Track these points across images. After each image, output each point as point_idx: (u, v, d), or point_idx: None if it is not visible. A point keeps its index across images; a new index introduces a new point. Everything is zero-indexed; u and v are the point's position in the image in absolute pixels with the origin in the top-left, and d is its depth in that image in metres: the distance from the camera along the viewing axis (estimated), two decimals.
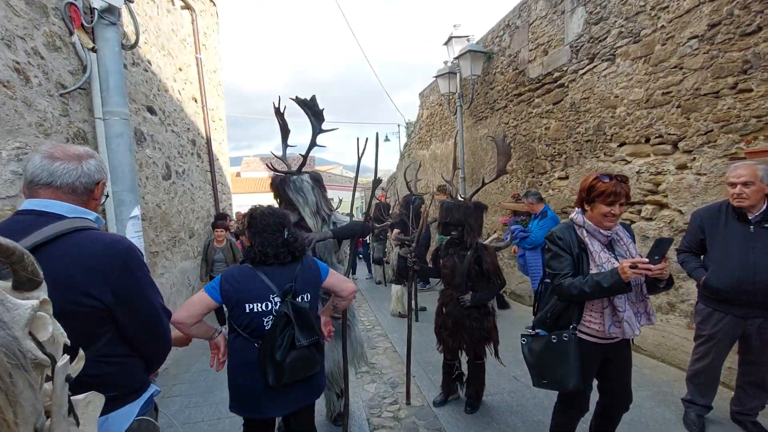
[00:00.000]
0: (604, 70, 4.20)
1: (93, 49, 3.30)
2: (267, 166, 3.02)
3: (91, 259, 1.09)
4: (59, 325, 0.64)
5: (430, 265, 3.32)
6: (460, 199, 3.19)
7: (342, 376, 2.73)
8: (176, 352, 4.65)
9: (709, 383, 2.62)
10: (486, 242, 3.17)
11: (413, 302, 5.17)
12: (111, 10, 3.21)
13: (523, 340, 2.10)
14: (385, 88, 12.85)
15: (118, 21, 3.31)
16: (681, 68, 3.38)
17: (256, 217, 1.82)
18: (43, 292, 0.61)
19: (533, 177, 5.66)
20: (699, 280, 2.50)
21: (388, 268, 8.15)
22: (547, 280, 2.11)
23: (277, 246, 1.77)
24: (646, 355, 3.84)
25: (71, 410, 0.62)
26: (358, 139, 2.70)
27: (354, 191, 2.91)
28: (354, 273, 9.27)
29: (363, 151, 2.71)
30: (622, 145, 4.06)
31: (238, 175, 29.37)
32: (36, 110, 2.88)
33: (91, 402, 0.69)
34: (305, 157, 2.74)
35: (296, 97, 2.68)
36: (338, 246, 2.82)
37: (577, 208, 2.06)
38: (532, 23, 5.44)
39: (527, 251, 4.60)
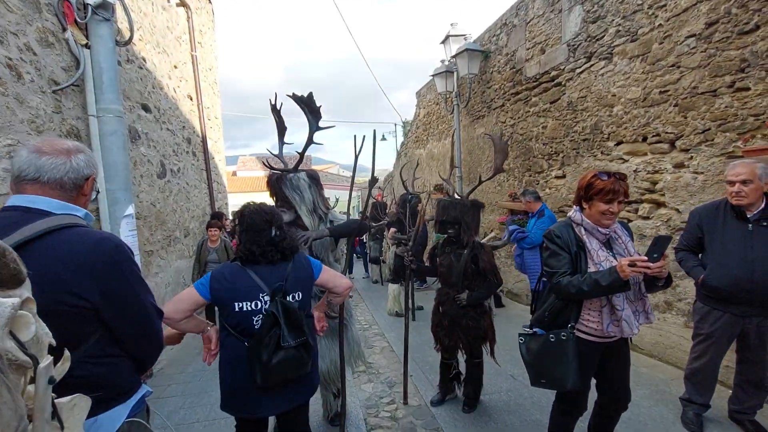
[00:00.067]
0: (601, 68, 4.20)
1: (86, 46, 3.26)
2: (263, 163, 2.99)
3: (79, 257, 1.06)
4: (44, 324, 0.61)
5: (427, 264, 3.30)
6: (456, 197, 3.17)
7: (339, 375, 2.71)
8: (171, 353, 4.61)
9: (707, 382, 2.62)
10: (483, 241, 3.16)
11: (410, 301, 5.17)
12: (105, 6, 3.17)
13: (521, 339, 2.09)
14: (382, 87, 12.83)
15: (112, 17, 3.27)
16: (678, 67, 3.37)
17: (245, 214, 1.80)
18: (26, 291, 0.59)
19: (530, 176, 5.65)
20: (697, 279, 2.50)
21: (384, 267, 8.13)
22: (544, 279, 2.10)
23: (263, 244, 1.75)
24: (643, 353, 3.84)
25: (55, 414, 0.60)
26: (355, 136, 2.67)
27: (351, 190, 2.89)
28: (351, 272, 9.25)
29: (360, 149, 2.68)
30: (619, 143, 4.06)
31: (234, 174, 29.26)
32: (28, 107, 2.84)
33: (77, 405, 0.66)
34: (302, 154, 2.71)
35: (293, 94, 2.65)
36: (335, 244, 2.80)
37: (575, 206, 2.04)
38: (529, 22, 5.43)
39: (525, 250, 4.58)
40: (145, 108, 4.71)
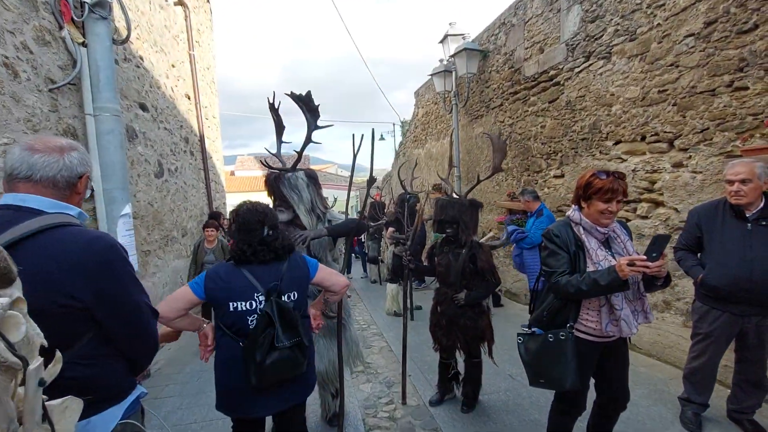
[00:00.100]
0: (600, 68, 4.20)
1: (83, 44, 3.24)
2: (261, 163, 2.97)
3: (72, 256, 1.05)
4: (35, 325, 0.60)
5: (425, 264, 3.30)
6: (455, 196, 3.16)
7: (337, 376, 2.70)
8: (169, 353, 4.60)
9: (706, 381, 2.62)
10: (481, 241, 3.15)
11: (408, 301, 5.16)
12: (102, 5, 3.15)
13: (520, 339, 2.08)
14: (380, 87, 12.82)
15: (109, 15, 3.26)
16: (677, 66, 3.37)
17: (240, 213, 1.79)
18: (17, 290, 0.58)
19: (529, 175, 5.65)
20: (696, 278, 2.49)
21: (383, 267, 8.12)
22: (542, 278, 2.09)
23: (255, 244, 1.73)
24: (641, 353, 3.84)
25: (46, 416, 0.58)
26: (353, 135, 2.66)
27: (349, 189, 2.88)
28: (349, 272, 9.23)
29: (359, 148, 2.67)
30: (617, 143, 4.06)
31: (232, 173, 29.20)
32: (24, 105, 2.82)
33: (69, 407, 0.65)
34: (300, 153, 2.70)
35: (291, 92, 2.64)
36: (333, 244, 2.79)
37: (573, 206, 2.03)
38: (527, 21, 5.43)
39: (525, 250, 4.58)
40: (143, 107, 4.69)
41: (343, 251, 3.03)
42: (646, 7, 3.60)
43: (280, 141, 2.78)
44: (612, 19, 3.99)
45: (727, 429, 2.62)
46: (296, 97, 2.65)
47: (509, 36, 5.88)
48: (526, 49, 5.47)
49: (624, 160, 3.98)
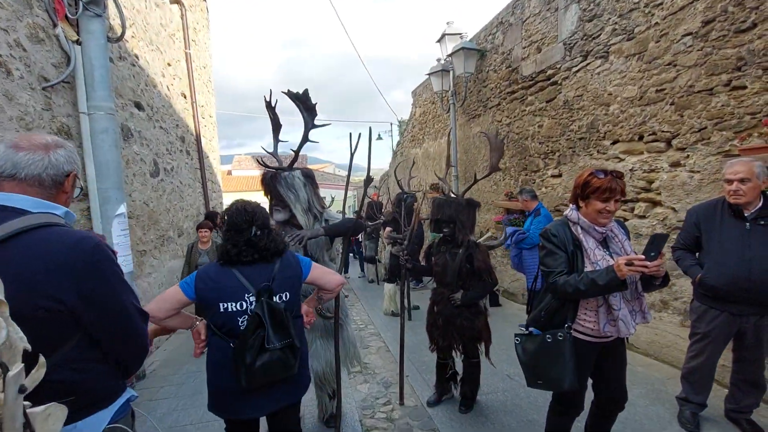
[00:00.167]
0: (597, 67, 4.19)
1: (77, 42, 3.21)
2: (258, 162, 2.95)
3: (58, 256, 1.02)
4: (18, 328, 0.58)
5: (423, 263, 3.28)
6: (452, 195, 3.15)
7: (334, 376, 2.68)
8: (165, 353, 4.57)
9: (704, 381, 2.61)
10: (479, 241, 3.14)
11: (406, 301, 5.14)
12: (96, 2, 3.12)
13: (517, 340, 2.06)
14: (377, 86, 12.80)
15: (104, 13, 3.22)
16: (675, 65, 3.37)
17: (229, 214, 1.77)
18: None
19: (526, 175, 5.64)
20: (695, 278, 2.49)
21: (380, 267, 8.10)
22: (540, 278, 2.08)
23: (240, 244, 1.71)
24: (639, 353, 3.84)
25: (28, 424, 0.56)
26: (351, 134, 2.64)
27: (346, 188, 2.86)
28: (347, 272, 9.22)
29: (356, 147, 2.66)
30: (615, 142, 4.05)
31: (229, 173, 29.12)
32: (17, 104, 2.79)
33: (52, 414, 0.62)
34: (297, 152, 2.68)
35: (288, 90, 2.62)
36: (330, 244, 2.77)
37: (571, 205, 2.02)
38: (525, 20, 5.42)
39: (524, 250, 4.57)
40: (138, 106, 4.65)
41: (341, 251, 3.02)
42: (644, 6, 3.59)
43: (276, 140, 2.76)
44: (609, 18, 3.99)
45: (725, 428, 2.62)
46: (293, 96, 2.63)
47: (507, 35, 5.87)
48: (524, 48, 5.46)
49: (621, 160, 3.97)
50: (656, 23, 3.49)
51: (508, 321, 5.02)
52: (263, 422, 1.90)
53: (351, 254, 10.32)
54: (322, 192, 2.91)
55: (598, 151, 4.27)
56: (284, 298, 1.74)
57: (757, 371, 2.47)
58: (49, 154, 1.11)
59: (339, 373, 2.66)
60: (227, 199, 8.66)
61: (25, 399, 0.58)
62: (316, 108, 2.67)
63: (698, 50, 3.17)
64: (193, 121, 6.63)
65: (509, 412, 2.99)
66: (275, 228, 2.44)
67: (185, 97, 6.43)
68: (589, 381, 2.09)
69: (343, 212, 2.84)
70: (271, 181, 2.59)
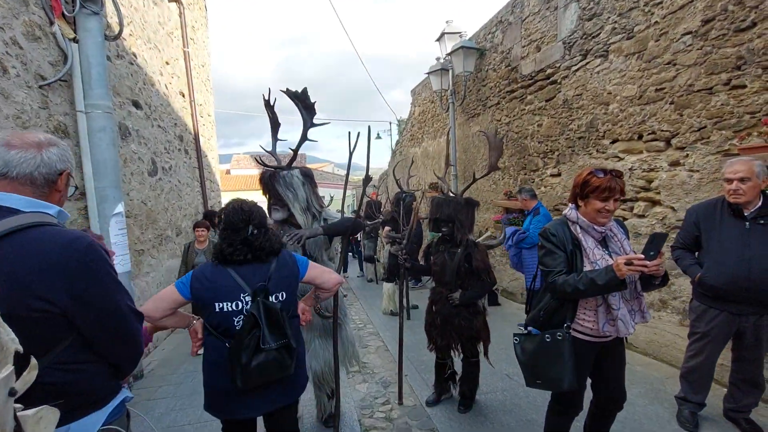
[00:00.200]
0: (597, 66, 4.18)
1: (74, 40, 3.19)
2: (256, 160, 2.93)
3: (50, 256, 1.00)
4: (9, 329, 0.57)
5: (421, 263, 3.27)
6: (451, 195, 3.14)
7: (333, 376, 2.67)
8: (163, 353, 4.56)
9: (703, 380, 2.61)
10: (478, 240, 3.13)
11: (405, 300, 5.14)
12: (93, 0, 3.10)
13: (516, 340, 2.06)
14: (377, 86, 12.79)
15: (101, 11, 3.20)
16: (674, 64, 3.36)
17: (226, 212, 1.76)
18: None
19: (525, 174, 5.63)
20: (694, 277, 2.48)
21: (379, 266, 8.09)
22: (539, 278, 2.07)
23: (236, 243, 1.70)
24: (638, 352, 3.84)
25: (19, 429, 0.55)
26: (350, 132, 2.63)
27: (345, 187, 2.85)
28: (346, 271, 9.21)
29: (355, 146, 2.64)
30: (614, 141, 4.04)
31: (228, 172, 29.10)
32: (14, 102, 2.77)
33: (44, 418, 0.61)
34: (296, 151, 2.66)
35: (287, 89, 2.60)
36: (329, 243, 2.75)
37: (570, 204, 2.01)
38: (524, 19, 5.41)
39: (524, 249, 4.56)
40: (136, 104, 4.63)
41: (340, 250, 3.00)
42: (644, 5, 3.59)
43: (275, 138, 2.74)
44: (609, 17, 3.98)
45: (723, 428, 2.62)
46: (292, 94, 2.61)
47: (506, 34, 5.86)
48: (523, 47, 5.45)
49: (621, 159, 3.97)
50: (656, 22, 3.49)
51: (507, 320, 5.02)
52: (261, 422, 1.89)
53: (350, 253, 10.31)
54: (321, 191, 2.90)
55: (597, 151, 4.27)
56: (280, 298, 1.73)
57: (756, 370, 2.46)
58: (41, 152, 1.09)
59: (338, 373, 2.66)
60: (226, 199, 8.65)
61: (17, 401, 0.57)
62: (315, 106, 2.65)
63: (698, 49, 3.16)
64: (191, 119, 6.60)
65: (508, 412, 2.98)
66: (273, 227, 2.43)
67: (183, 96, 6.41)
68: (588, 381, 2.09)
69: (342, 211, 2.83)
70: (269, 180, 2.57)
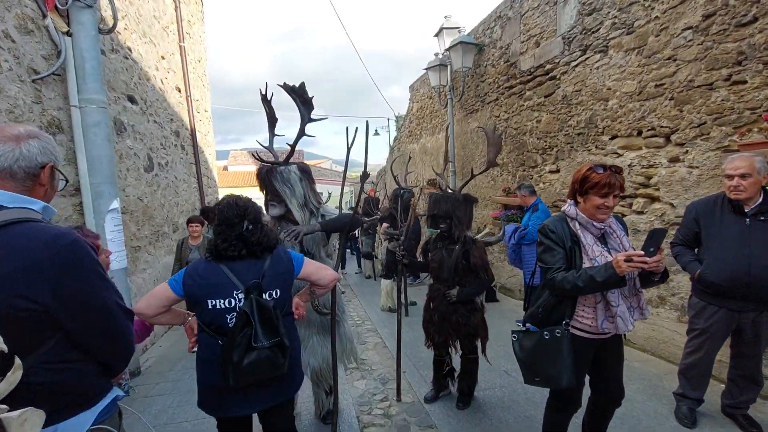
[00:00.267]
0: (596, 62, 4.16)
1: (68, 33, 3.14)
2: (253, 156, 2.90)
3: (34, 254, 0.97)
4: None
5: (419, 259, 3.26)
6: (449, 191, 3.12)
7: (331, 372, 2.65)
8: (160, 349, 4.53)
9: (702, 377, 2.61)
10: (477, 237, 3.11)
11: (403, 297, 5.12)
12: None
13: (514, 337, 2.04)
14: (374, 81, 12.73)
15: (95, 4, 3.16)
16: (675, 60, 3.34)
17: (220, 208, 1.74)
18: None
19: (524, 170, 5.62)
20: (694, 274, 2.47)
21: (377, 263, 8.08)
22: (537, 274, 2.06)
23: (231, 239, 1.68)
24: (636, 348, 3.84)
25: (3, 430, 0.53)
26: (347, 128, 2.60)
27: (343, 183, 2.82)
28: (344, 267, 9.19)
29: (353, 142, 2.62)
30: (614, 138, 4.03)
31: (225, 168, 28.96)
32: (6, 96, 2.74)
33: (28, 419, 0.59)
34: (293, 147, 2.63)
35: (284, 83, 2.57)
36: (327, 239, 2.73)
37: (569, 200, 1.99)
38: (524, 14, 5.37)
39: (523, 245, 4.55)
40: (131, 99, 4.59)
41: (337, 247, 2.98)
42: (644, 0, 3.56)
43: (272, 134, 2.71)
44: (609, 12, 3.95)
45: (721, 424, 2.62)
46: (289, 89, 2.58)
47: (505, 29, 5.83)
48: (522, 42, 5.42)
49: (620, 155, 3.95)
50: (656, 17, 3.46)
51: (505, 317, 5.01)
52: (257, 420, 1.88)
53: (348, 250, 10.29)
54: (319, 188, 2.87)
55: (596, 147, 4.25)
56: (274, 295, 1.71)
57: (754, 367, 2.47)
58: (20, 145, 1.06)
59: (336, 370, 2.64)
60: (223, 195, 8.63)
61: (2, 402, 0.55)
62: (312, 102, 2.62)
63: (698, 44, 3.14)
64: (188, 115, 6.56)
65: (507, 409, 2.98)
66: (269, 223, 2.41)
67: (180, 91, 6.35)
68: (587, 378, 2.08)
69: (340, 208, 2.80)
70: (266, 176, 2.54)
